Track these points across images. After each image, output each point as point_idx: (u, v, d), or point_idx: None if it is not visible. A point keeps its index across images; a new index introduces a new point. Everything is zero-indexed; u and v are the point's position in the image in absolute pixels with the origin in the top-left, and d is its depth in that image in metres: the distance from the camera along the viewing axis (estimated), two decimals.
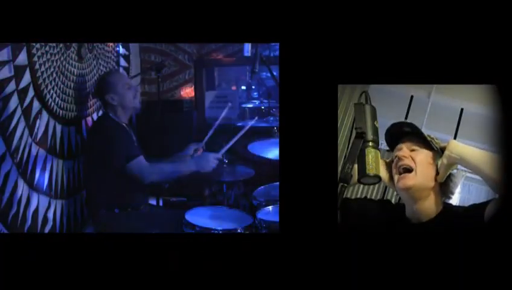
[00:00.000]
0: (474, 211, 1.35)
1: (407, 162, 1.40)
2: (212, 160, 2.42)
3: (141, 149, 2.46)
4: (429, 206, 1.41)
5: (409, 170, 1.39)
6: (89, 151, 2.49)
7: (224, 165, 3.00)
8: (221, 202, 3.30)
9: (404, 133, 1.47)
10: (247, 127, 2.51)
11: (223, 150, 2.51)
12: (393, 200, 1.63)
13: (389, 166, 1.48)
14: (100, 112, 2.77)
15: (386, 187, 1.56)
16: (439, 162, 1.39)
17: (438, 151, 1.41)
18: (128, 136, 2.45)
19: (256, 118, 2.87)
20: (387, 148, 1.54)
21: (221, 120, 2.76)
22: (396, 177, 1.42)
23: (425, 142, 1.42)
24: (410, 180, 1.38)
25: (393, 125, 1.47)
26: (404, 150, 1.42)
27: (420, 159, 1.40)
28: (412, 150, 1.42)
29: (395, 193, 1.53)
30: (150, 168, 2.36)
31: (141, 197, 2.51)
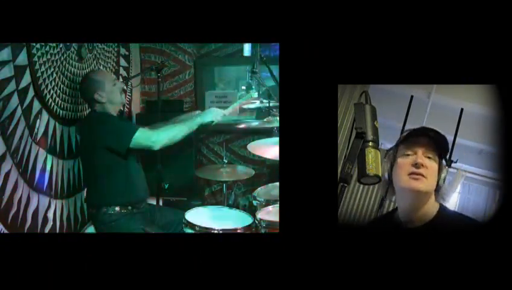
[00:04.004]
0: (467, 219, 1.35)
1: (423, 171, 1.37)
2: (217, 112, 2.50)
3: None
4: (427, 210, 1.40)
5: (423, 175, 1.38)
6: (88, 145, 2.43)
7: (224, 165, 3.01)
8: (221, 202, 3.30)
9: (427, 136, 1.42)
10: (250, 96, 2.55)
11: (229, 109, 2.59)
12: (390, 206, 1.61)
13: (389, 158, 1.46)
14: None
15: (386, 188, 1.54)
16: (442, 176, 1.39)
17: (445, 164, 1.40)
18: (122, 118, 2.44)
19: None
20: (387, 148, 1.54)
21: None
22: (405, 177, 1.40)
23: (441, 152, 1.41)
24: (423, 183, 1.37)
25: (423, 128, 1.44)
26: (420, 155, 1.39)
27: (431, 167, 1.39)
28: (427, 157, 1.40)
29: (393, 198, 1.51)
30: (156, 132, 2.37)
31: (142, 195, 2.51)
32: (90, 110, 2.53)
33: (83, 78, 2.52)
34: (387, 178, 1.46)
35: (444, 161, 1.41)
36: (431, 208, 1.41)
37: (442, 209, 1.42)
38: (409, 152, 1.42)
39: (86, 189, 2.56)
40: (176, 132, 2.40)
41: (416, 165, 1.38)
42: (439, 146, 1.41)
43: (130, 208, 2.40)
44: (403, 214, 1.44)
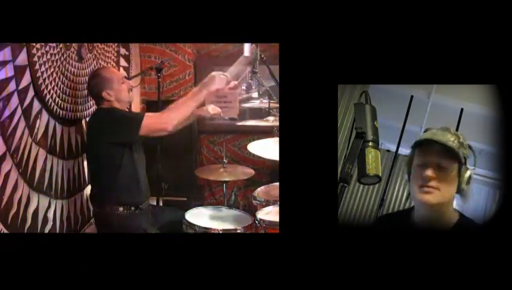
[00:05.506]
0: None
1: (434, 184, 1.32)
2: (220, 78, 2.39)
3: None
4: (444, 221, 1.37)
5: (434, 188, 1.33)
6: (95, 141, 2.42)
7: (224, 165, 3.01)
8: (221, 202, 3.31)
9: (434, 144, 1.35)
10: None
11: (231, 70, 2.51)
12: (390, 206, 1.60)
13: (407, 163, 1.42)
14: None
15: (385, 188, 1.53)
16: (465, 177, 1.34)
17: (464, 164, 1.35)
18: (127, 111, 2.46)
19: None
20: (387, 148, 1.54)
21: None
22: (418, 188, 1.35)
23: (454, 156, 1.33)
24: (434, 197, 1.33)
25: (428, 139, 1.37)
26: (431, 165, 1.33)
27: (445, 177, 1.33)
28: (439, 167, 1.33)
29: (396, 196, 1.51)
30: (166, 113, 2.32)
31: (145, 196, 2.51)
32: (96, 107, 2.53)
33: (92, 75, 2.52)
34: (409, 180, 1.42)
35: (465, 160, 1.34)
36: (448, 218, 1.37)
37: (461, 217, 1.38)
38: (421, 162, 1.36)
39: (90, 187, 2.55)
40: (184, 108, 2.34)
41: (425, 178, 1.33)
42: (452, 152, 1.33)
43: (133, 209, 2.40)
44: (420, 219, 1.40)
